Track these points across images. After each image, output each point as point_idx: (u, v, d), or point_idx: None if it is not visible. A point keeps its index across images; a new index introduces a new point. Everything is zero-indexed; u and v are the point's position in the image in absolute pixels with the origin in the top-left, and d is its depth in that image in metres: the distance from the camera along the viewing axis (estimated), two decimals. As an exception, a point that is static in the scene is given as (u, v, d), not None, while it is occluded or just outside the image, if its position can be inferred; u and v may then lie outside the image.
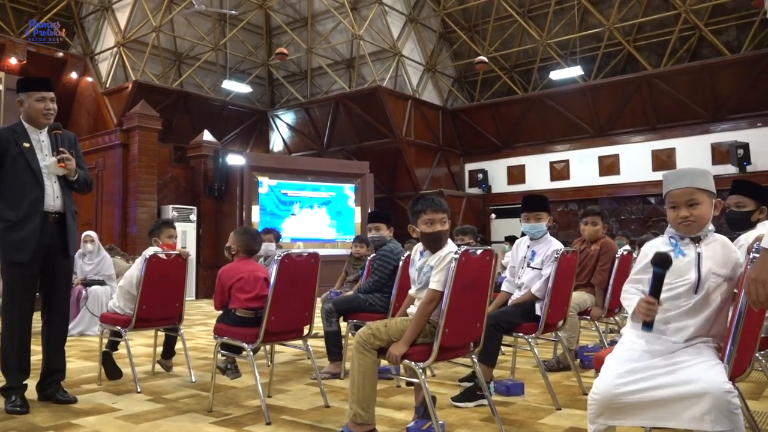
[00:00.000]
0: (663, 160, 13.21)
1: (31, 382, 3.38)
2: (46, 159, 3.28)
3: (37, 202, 3.22)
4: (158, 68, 15.26)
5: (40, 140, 3.33)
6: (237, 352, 3.44)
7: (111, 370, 4.01)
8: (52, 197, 3.29)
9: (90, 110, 14.04)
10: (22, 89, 3.34)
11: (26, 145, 3.25)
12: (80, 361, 4.85)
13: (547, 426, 2.92)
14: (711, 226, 2.02)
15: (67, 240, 3.34)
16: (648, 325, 1.87)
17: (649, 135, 13.71)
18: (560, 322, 3.68)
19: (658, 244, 2.04)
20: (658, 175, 12.85)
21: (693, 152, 12.88)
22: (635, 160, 13.66)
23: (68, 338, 6.36)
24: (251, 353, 3.17)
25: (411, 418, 2.90)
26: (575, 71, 13.87)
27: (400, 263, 3.87)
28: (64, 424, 2.97)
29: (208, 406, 3.24)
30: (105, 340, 4.08)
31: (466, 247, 2.61)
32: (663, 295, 1.94)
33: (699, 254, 1.97)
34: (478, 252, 2.66)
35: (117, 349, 4.13)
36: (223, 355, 3.50)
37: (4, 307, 3.29)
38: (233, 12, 15.04)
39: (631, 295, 1.99)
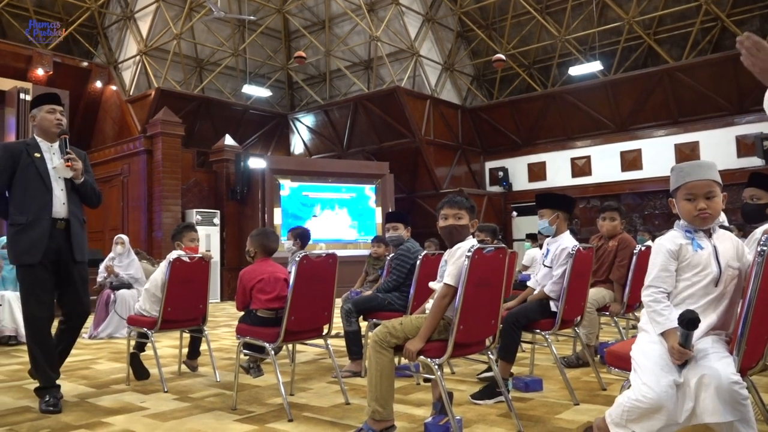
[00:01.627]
0: (686, 154, 13.03)
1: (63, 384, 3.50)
2: (54, 161, 3.44)
3: (45, 206, 3.37)
4: (180, 75, 15.52)
5: (51, 152, 3.49)
6: (260, 352, 3.53)
7: (139, 370, 4.14)
8: (59, 203, 3.42)
9: (115, 118, 14.35)
10: (34, 105, 3.54)
11: (37, 155, 3.43)
12: (109, 362, 4.99)
13: (565, 421, 2.95)
14: (723, 216, 2.04)
15: (73, 245, 3.45)
16: (681, 365, 1.84)
17: (671, 129, 13.55)
18: (577, 319, 3.69)
19: (670, 238, 2.03)
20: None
21: (717, 145, 12.69)
22: (658, 154, 13.50)
23: (98, 340, 6.57)
24: (272, 352, 3.26)
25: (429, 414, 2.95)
26: (595, 66, 13.76)
27: (418, 262, 3.91)
28: (94, 422, 3.08)
29: (233, 404, 3.33)
30: (132, 342, 4.20)
31: (478, 244, 2.65)
32: (686, 293, 1.96)
33: (715, 247, 1.98)
34: (492, 250, 2.71)
35: (144, 351, 4.26)
36: (246, 355, 3.59)
37: (24, 310, 3.43)
38: (252, 17, 15.23)
39: (661, 306, 1.93)
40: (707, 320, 1.92)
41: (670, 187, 2.08)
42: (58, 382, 3.43)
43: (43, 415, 3.22)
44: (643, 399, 1.80)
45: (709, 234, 2.02)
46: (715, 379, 1.74)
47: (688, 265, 1.98)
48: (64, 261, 3.44)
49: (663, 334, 1.90)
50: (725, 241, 2.02)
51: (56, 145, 3.51)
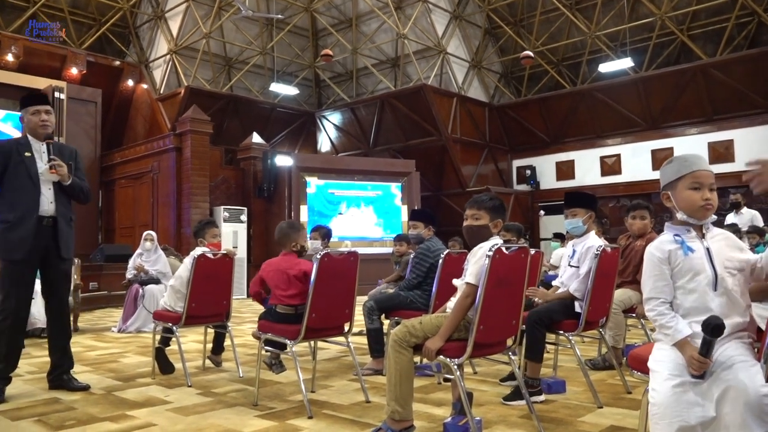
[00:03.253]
0: (720, 152, 12.71)
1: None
2: (44, 159, 3.56)
3: (32, 205, 3.50)
4: (209, 73, 15.72)
5: (41, 151, 3.61)
6: (281, 348, 3.55)
7: (164, 365, 4.20)
8: (47, 202, 3.55)
9: (146, 116, 14.60)
10: (22, 106, 3.66)
11: (27, 154, 3.56)
12: (136, 356, 5.08)
13: (588, 424, 2.90)
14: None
15: (60, 243, 3.59)
16: (700, 377, 1.72)
17: (705, 127, 13.22)
18: (602, 320, 3.62)
19: (657, 245, 1.91)
20: (716, 168, 12.32)
21: (753, 143, 12.33)
22: (691, 152, 13.16)
23: (126, 334, 6.67)
24: (293, 349, 3.27)
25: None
26: (625, 63, 13.51)
27: (440, 261, 3.88)
28: (119, 415, 3.14)
29: (254, 400, 3.36)
30: (158, 337, 4.26)
31: (500, 243, 2.62)
32: (687, 303, 1.84)
33: (708, 249, 1.86)
34: (514, 249, 2.68)
35: (169, 345, 4.31)
36: (267, 351, 3.62)
37: (1, 303, 3.49)
38: (280, 16, 15.35)
39: (666, 319, 1.84)
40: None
41: (667, 179, 1.96)
42: (85, 381, 3.59)
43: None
44: (653, 404, 1.74)
45: (702, 234, 1.90)
46: (743, 393, 1.64)
47: (680, 272, 1.86)
48: (49, 258, 3.59)
49: (676, 345, 1.80)
50: (719, 240, 1.90)
51: (45, 145, 3.61)
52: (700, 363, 1.70)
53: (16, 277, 3.48)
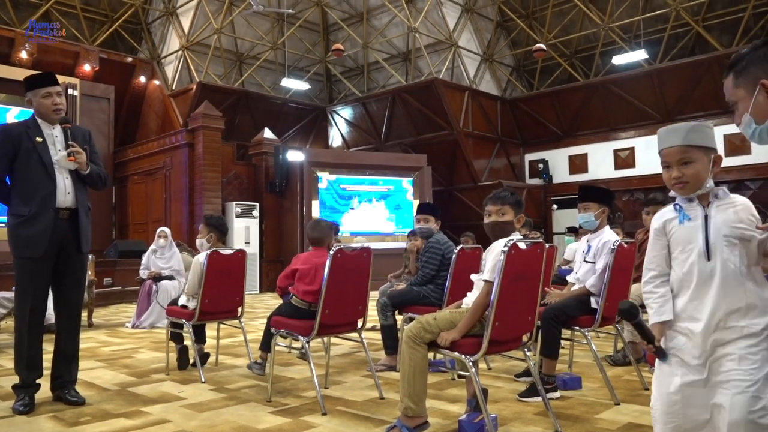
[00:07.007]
0: (737, 145, 12.53)
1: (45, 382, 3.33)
2: (57, 153, 3.22)
3: (48, 197, 3.16)
4: (220, 69, 15.74)
5: (53, 135, 3.26)
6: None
7: (183, 359, 4.24)
8: (64, 192, 3.22)
9: (158, 112, 14.65)
10: (28, 88, 3.26)
11: (39, 139, 3.20)
12: (150, 352, 5.09)
13: (605, 421, 2.86)
14: (710, 183, 1.76)
15: (80, 236, 3.27)
16: (661, 356, 1.68)
17: (721, 119, 12.98)
18: (618, 315, 3.57)
19: (662, 213, 1.80)
20: (733, 161, 12.22)
21: (770, 135, 12.14)
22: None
23: (140, 330, 6.70)
24: (307, 345, 3.26)
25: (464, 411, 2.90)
26: (639, 55, 13.35)
27: (454, 256, 3.84)
28: (133, 411, 3.14)
29: (267, 397, 3.35)
30: (174, 333, 4.27)
31: (516, 238, 2.58)
32: (680, 274, 1.71)
33: (707, 216, 1.71)
34: (529, 245, 2.64)
35: (183, 341, 4.32)
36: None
37: (16, 302, 3.28)
38: (290, 11, 15.31)
39: (652, 298, 1.75)
40: (714, 302, 1.63)
41: None
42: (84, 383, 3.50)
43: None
44: (652, 403, 1.71)
45: (707, 202, 1.73)
46: (730, 413, 1.56)
47: (674, 241, 1.75)
48: (65, 252, 3.26)
49: (653, 328, 1.72)
50: (726, 208, 1.71)
51: (57, 128, 3.27)
52: (647, 349, 1.73)
53: (33, 276, 3.17)
